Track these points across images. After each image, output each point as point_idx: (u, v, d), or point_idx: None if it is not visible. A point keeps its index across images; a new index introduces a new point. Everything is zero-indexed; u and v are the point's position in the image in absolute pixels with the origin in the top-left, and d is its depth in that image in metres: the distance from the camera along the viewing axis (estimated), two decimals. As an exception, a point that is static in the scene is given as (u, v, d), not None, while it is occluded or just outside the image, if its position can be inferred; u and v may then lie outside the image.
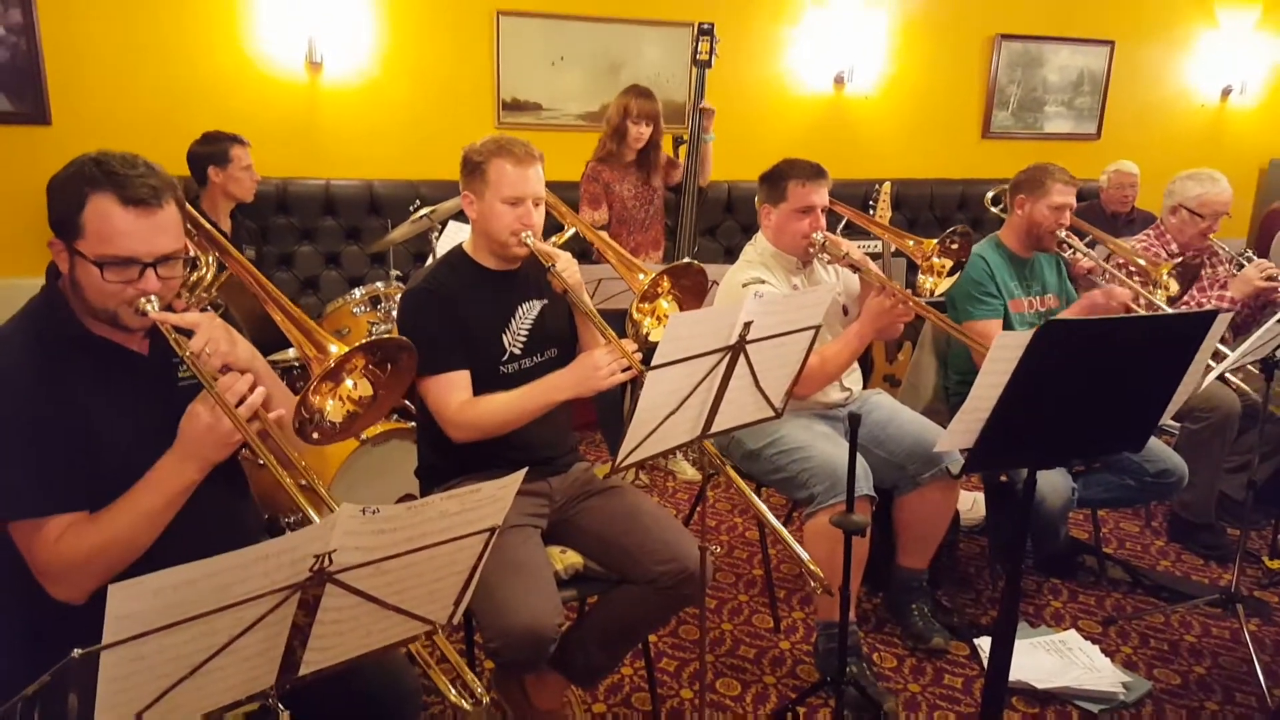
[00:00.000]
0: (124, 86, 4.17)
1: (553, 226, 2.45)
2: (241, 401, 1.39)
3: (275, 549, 1.05)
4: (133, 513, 1.43)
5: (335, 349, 1.47)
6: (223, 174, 3.46)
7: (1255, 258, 3.40)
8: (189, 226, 1.68)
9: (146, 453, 1.47)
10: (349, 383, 1.51)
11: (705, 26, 4.01)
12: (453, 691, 1.37)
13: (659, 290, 2.10)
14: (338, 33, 4.44)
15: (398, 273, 3.77)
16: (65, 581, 1.42)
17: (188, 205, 1.59)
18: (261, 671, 1.16)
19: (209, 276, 1.73)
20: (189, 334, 1.48)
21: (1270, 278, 3.24)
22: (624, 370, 1.93)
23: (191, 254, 1.70)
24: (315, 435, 1.46)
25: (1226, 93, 6.24)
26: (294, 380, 3.21)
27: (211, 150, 3.45)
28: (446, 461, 2.18)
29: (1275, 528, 3.44)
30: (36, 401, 1.43)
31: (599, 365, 1.93)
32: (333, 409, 1.49)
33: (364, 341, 1.48)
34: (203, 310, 1.63)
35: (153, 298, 1.47)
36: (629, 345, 1.93)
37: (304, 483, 1.41)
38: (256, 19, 4.32)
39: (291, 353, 3.18)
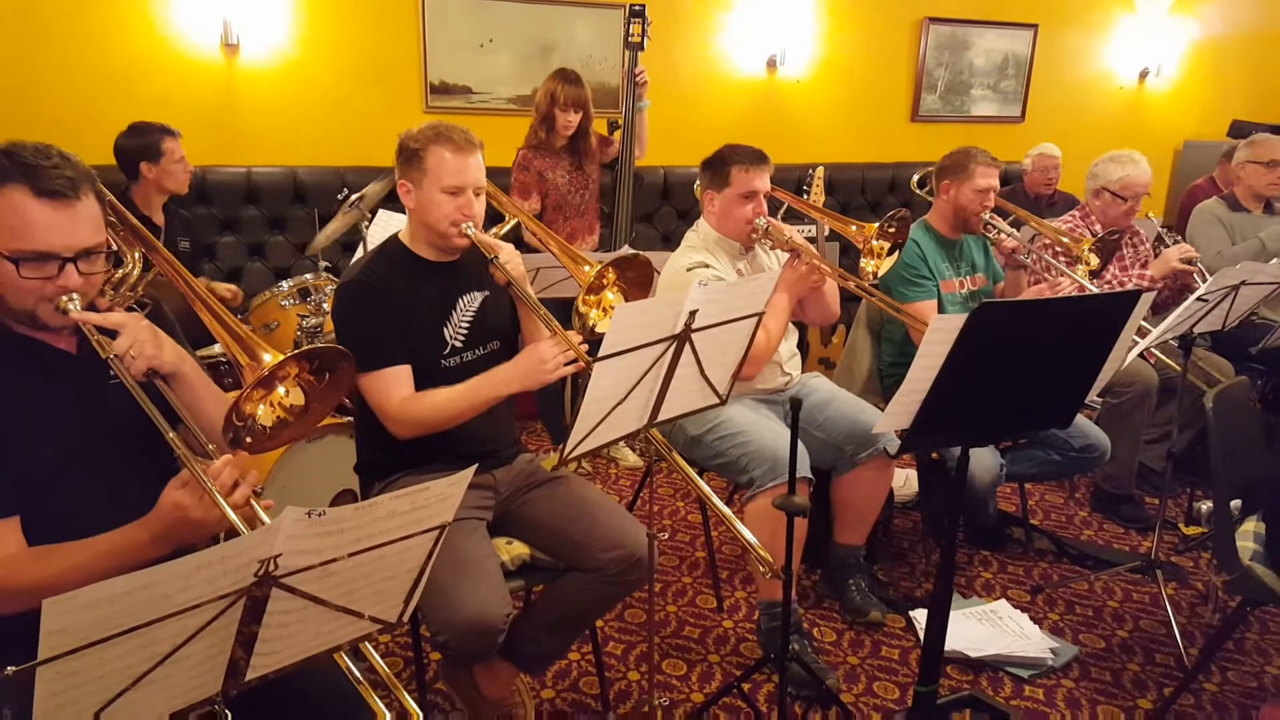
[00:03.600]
0: (27, 74, 3.94)
1: (492, 214, 2.41)
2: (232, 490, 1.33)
3: (217, 556, 1.02)
4: (80, 570, 1.34)
5: (269, 357, 1.42)
6: (155, 169, 3.32)
7: (1178, 238, 3.53)
8: (113, 220, 1.61)
9: (77, 453, 1.42)
10: (281, 389, 1.46)
11: (636, 8, 3.95)
12: (388, 716, 1.34)
13: (604, 282, 2.07)
14: (254, 12, 4.26)
15: (326, 264, 3.67)
16: None
17: (110, 198, 1.53)
18: (208, 679, 1.13)
19: (135, 274, 1.66)
20: (113, 334, 1.43)
21: (1188, 260, 3.38)
22: (570, 363, 1.91)
23: (115, 249, 1.63)
24: (248, 441, 1.42)
25: (1144, 75, 6.43)
26: (222, 376, 3.12)
27: (143, 144, 3.30)
28: (387, 457, 2.14)
29: (1191, 496, 3.59)
30: None
31: (545, 359, 1.91)
32: (264, 413, 1.45)
33: (300, 350, 1.43)
34: (129, 309, 1.57)
35: (74, 296, 1.41)
36: (574, 337, 1.92)
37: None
38: (167, -1, 4.12)
39: (218, 348, 3.09)
